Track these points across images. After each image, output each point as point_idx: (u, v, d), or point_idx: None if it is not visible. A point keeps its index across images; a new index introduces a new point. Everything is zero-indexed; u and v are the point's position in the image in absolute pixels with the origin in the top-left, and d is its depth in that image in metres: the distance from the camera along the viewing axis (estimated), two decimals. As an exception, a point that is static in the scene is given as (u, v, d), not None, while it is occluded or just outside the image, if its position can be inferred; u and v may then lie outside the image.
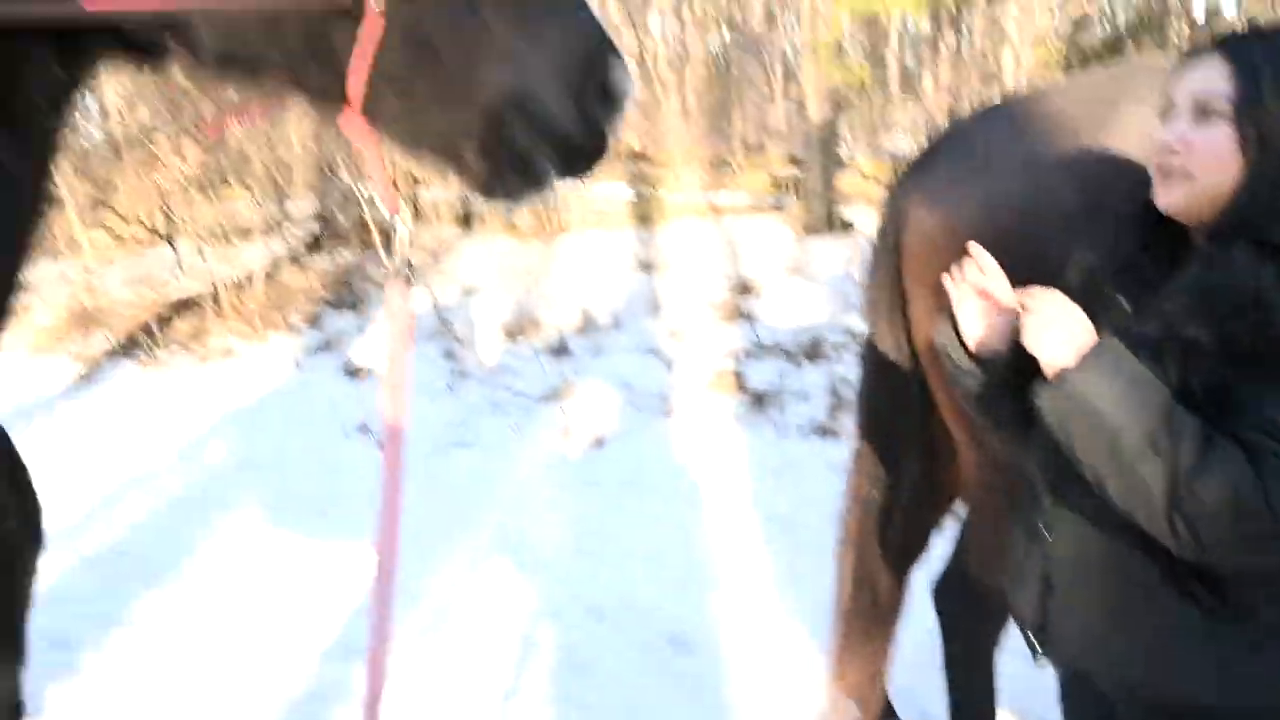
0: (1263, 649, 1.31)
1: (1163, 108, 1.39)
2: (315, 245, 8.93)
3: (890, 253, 2.49)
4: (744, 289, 7.28)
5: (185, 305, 7.95)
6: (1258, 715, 1.34)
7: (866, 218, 8.75)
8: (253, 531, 4.65)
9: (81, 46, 1.15)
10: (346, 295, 8.01)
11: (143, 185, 8.37)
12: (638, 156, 9.68)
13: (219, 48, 1.13)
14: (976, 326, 1.48)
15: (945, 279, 1.53)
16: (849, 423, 5.34)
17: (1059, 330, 1.29)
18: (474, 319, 7.27)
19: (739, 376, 6.14)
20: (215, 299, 7.69)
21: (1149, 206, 1.41)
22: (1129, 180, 1.93)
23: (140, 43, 1.16)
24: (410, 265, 1.29)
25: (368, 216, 7.93)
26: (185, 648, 3.64)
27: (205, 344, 7.40)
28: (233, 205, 9.59)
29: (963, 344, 1.51)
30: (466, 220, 9.09)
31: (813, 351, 6.27)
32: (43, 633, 1.86)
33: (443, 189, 9.02)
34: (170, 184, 8.23)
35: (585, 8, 1.17)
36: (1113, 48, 5.63)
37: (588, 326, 7.00)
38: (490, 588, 4.02)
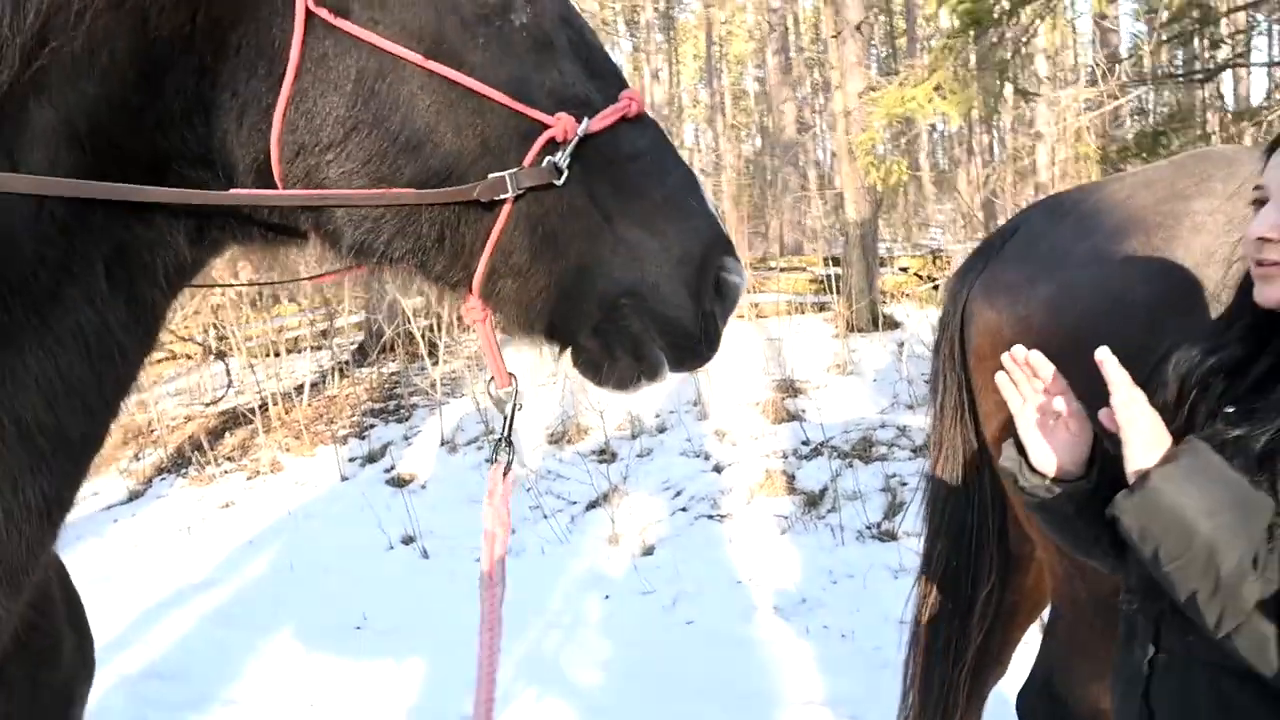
0: None
1: (1252, 198, 1.33)
2: (362, 357, 9.06)
3: (954, 352, 2.42)
4: (790, 389, 7.19)
5: (234, 419, 8.05)
6: None
7: (909, 313, 8.70)
8: (291, 648, 4.54)
9: (214, 236, 1.20)
10: (391, 406, 8.06)
11: (197, 304, 8.62)
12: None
13: (357, 241, 1.16)
14: (1041, 443, 1.36)
15: (1005, 391, 1.40)
16: (906, 524, 5.16)
17: (1139, 432, 1.19)
18: (519, 425, 7.24)
19: (790, 478, 6.00)
20: (264, 411, 7.78)
21: (1246, 304, 1.32)
22: (1214, 276, 1.86)
23: (277, 232, 1.21)
24: (513, 444, 1.27)
25: (412, 327, 8.05)
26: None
27: (253, 457, 7.44)
28: (283, 319, 9.83)
29: (1029, 463, 1.38)
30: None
31: (864, 450, 6.12)
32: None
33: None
34: (223, 301, 8.47)
35: (707, 206, 1.21)
36: (1148, 141, 5.63)
37: (634, 430, 6.93)
38: (537, 704, 3.85)
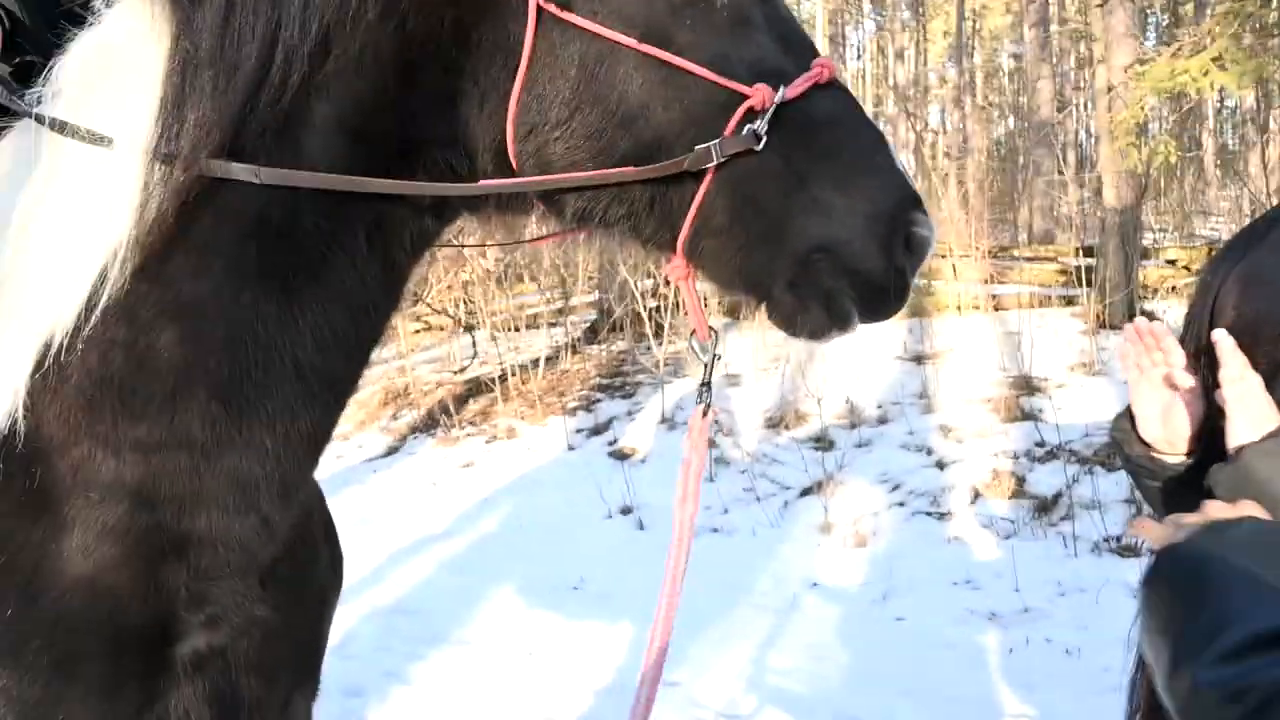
0: None
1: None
2: (593, 335, 9.51)
3: (1199, 353, 2.20)
4: (1028, 386, 6.74)
5: (478, 387, 8.74)
6: None
7: (1173, 310, 7.84)
8: (516, 600, 4.90)
9: (453, 208, 1.38)
10: (618, 382, 8.41)
11: (450, 280, 9.41)
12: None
13: (578, 209, 1.29)
14: (1153, 415, 1.40)
15: (1124, 361, 1.45)
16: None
17: (1245, 409, 1.24)
18: (736, 408, 7.32)
19: (1020, 480, 5.65)
20: (503, 381, 8.39)
21: None
22: None
23: (508, 203, 1.37)
24: (712, 394, 1.37)
25: (640, 308, 8.34)
26: (456, 705, 3.86)
27: (492, 423, 8.05)
28: (524, 297, 10.51)
29: (1137, 433, 1.42)
30: (734, 310, 9.27)
31: (1108, 457, 5.63)
32: (334, 681, 2.05)
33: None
34: (473, 279, 9.19)
35: (896, 165, 1.27)
36: None
37: (852, 420, 6.80)
38: (736, 683, 3.92)
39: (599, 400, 8.08)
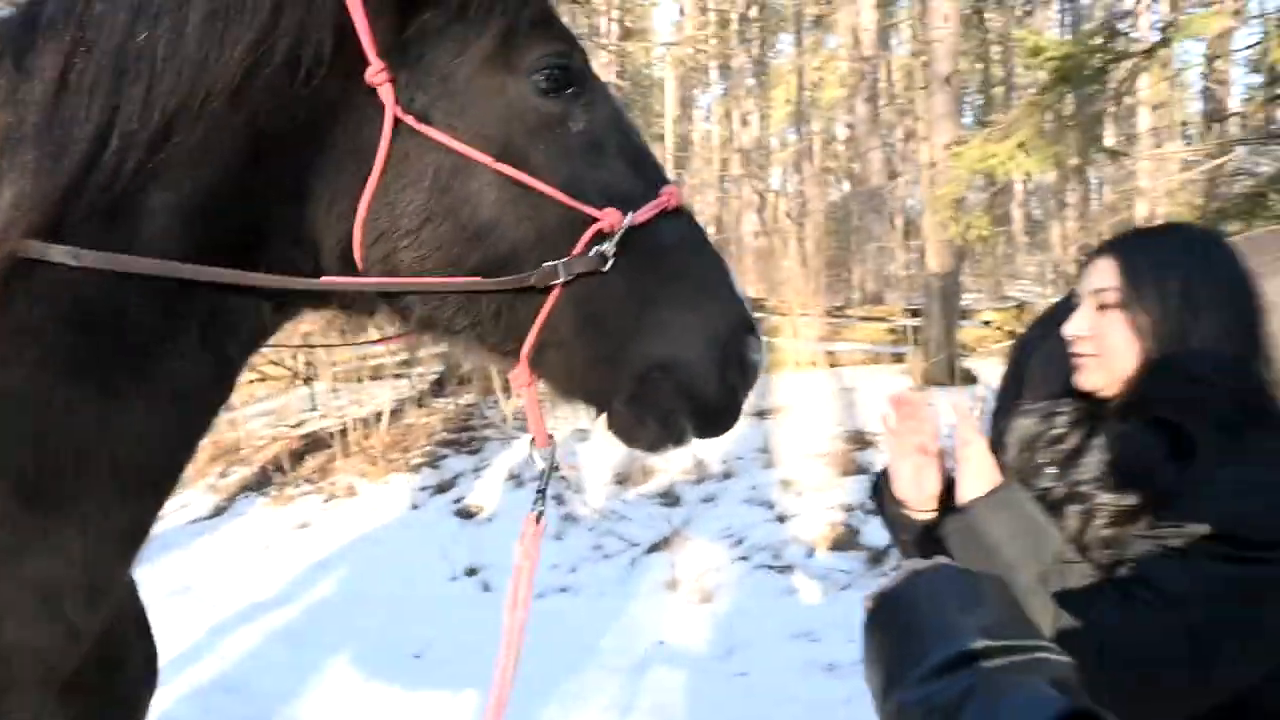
0: None
1: (1072, 303, 1.56)
2: (439, 388, 9.30)
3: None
4: (860, 441, 7.09)
5: (315, 442, 8.34)
6: None
7: (988, 368, 8.48)
8: (352, 672, 4.65)
9: (294, 305, 1.35)
10: (465, 438, 8.24)
11: (289, 327, 8.99)
12: (755, 305, 9.79)
13: (424, 315, 1.29)
14: (906, 475, 1.58)
15: (885, 427, 1.64)
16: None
17: (971, 468, 1.44)
18: (584, 464, 7.31)
19: (855, 532, 5.90)
20: (344, 436, 8.05)
21: (1070, 387, 1.57)
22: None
23: (352, 303, 1.34)
24: (545, 496, 1.37)
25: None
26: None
27: (330, 481, 7.69)
28: (368, 346, 10.17)
29: (891, 492, 1.61)
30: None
31: (934, 509, 5.97)
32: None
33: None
34: (313, 327, 8.82)
35: (734, 290, 1.33)
36: (1247, 203, 5.43)
37: (699, 475, 6.93)
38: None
39: (444, 456, 7.88)
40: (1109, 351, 1.48)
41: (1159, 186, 7.28)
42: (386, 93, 1.19)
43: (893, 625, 1.02)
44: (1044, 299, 11.80)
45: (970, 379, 8.12)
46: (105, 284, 1.14)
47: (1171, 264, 1.47)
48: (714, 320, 1.30)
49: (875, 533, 5.89)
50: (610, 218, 1.25)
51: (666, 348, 1.27)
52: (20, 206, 1.09)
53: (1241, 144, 5.57)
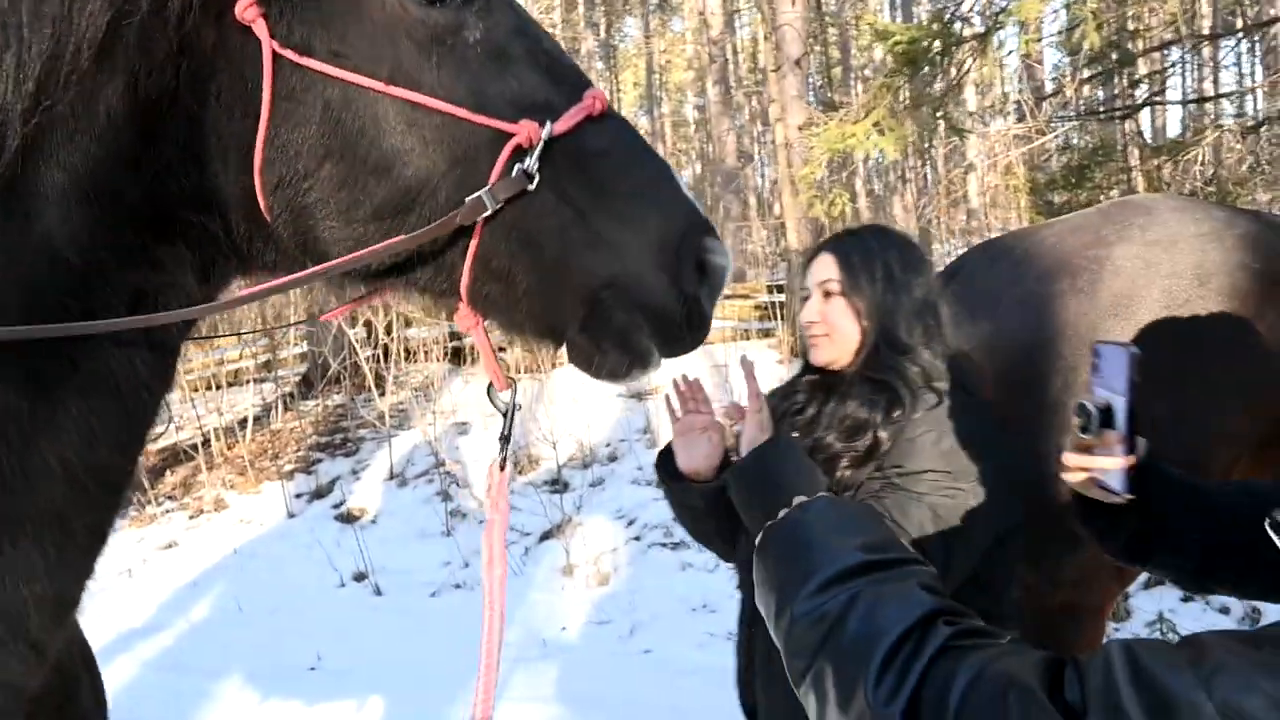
0: None
1: (801, 295, 1.82)
2: (307, 389, 8.94)
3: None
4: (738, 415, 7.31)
5: (175, 456, 7.88)
6: None
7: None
8: (244, 692, 4.46)
9: (219, 274, 1.28)
10: (338, 440, 7.97)
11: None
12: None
13: (353, 272, 1.23)
14: (686, 449, 1.80)
15: (666, 406, 1.86)
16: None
17: (757, 424, 1.61)
18: (468, 457, 7.23)
19: (740, 505, 6.10)
20: (206, 447, 7.63)
21: (807, 364, 1.83)
22: (1140, 316, 2.02)
23: (276, 266, 1.28)
24: (510, 447, 1.33)
25: (360, 359, 7.99)
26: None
27: (196, 495, 7.29)
28: (223, 351, 9.65)
29: (675, 465, 1.83)
30: (456, 356, 9.17)
31: (812, 476, 6.25)
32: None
33: (430, 328, 9.14)
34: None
35: (682, 193, 1.23)
36: (1074, 174, 5.93)
37: (585, 460, 6.97)
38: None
39: (319, 460, 7.60)
40: (837, 331, 1.73)
41: (989, 161, 7.84)
42: (261, 29, 1.12)
43: (781, 552, 1.09)
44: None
45: (834, 349, 8.49)
46: (17, 274, 1.10)
47: (877, 256, 1.75)
48: (661, 225, 1.18)
49: (759, 503, 6.12)
50: (527, 130, 1.14)
51: (613, 264, 1.17)
52: None
53: (1066, 120, 6.10)
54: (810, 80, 22.99)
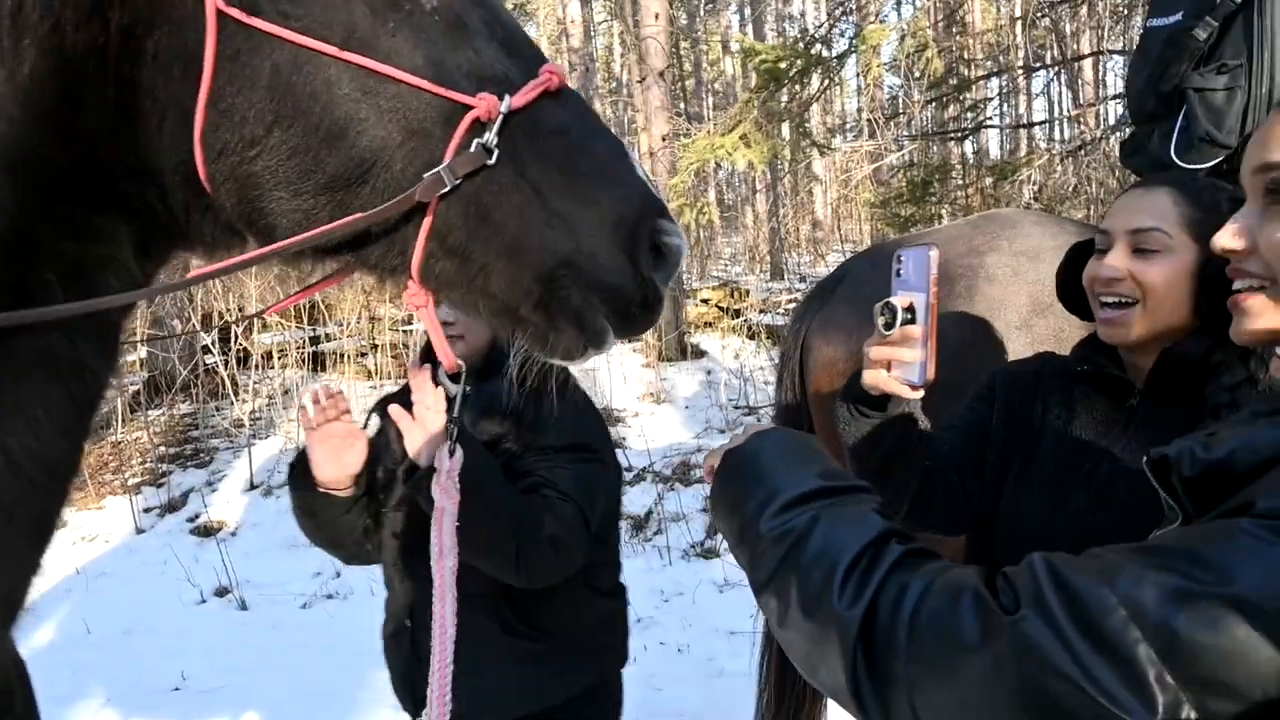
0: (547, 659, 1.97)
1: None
2: (153, 396, 8.40)
3: (794, 384, 2.74)
4: (610, 417, 7.44)
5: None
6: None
7: (711, 342, 9.23)
8: (98, 714, 4.20)
9: (159, 248, 1.22)
10: (190, 450, 7.55)
11: None
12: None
13: (300, 251, 1.17)
14: (324, 456, 1.89)
15: (304, 418, 1.91)
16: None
17: (422, 431, 1.71)
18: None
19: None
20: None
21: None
22: (1008, 319, 2.26)
23: (218, 240, 1.21)
24: (457, 425, 1.33)
25: (214, 362, 7.60)
26: None
27: (26, 512, 6.71)
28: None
29: (314, 479, 1.93)
30: (315, 361, 8.86)
31: (684, 474, 6.46)
32: None
33: (289, 332, 8.80)
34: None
35: (636, 173, 1.21)
36: (918, 189, 6.43)
37: (457, 465, 6.91)
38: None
39: (169, 472, 7.17)
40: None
41: (842, 176, 8.34)
42: None
43: (744, 475, 1.13)
44: (741, 277, 12.96)
45: (699, 353, 8.79)
46: None
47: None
48: (618, 205, 1.16)
49: (634, 500, 6.26)
50: (486, 103, 1.11)
51: (569, 242, 1.14)
52: None
53: (913, 140, 6.60)
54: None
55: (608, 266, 1.15)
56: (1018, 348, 2.26)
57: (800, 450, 1.15)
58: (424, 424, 1.70)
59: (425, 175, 1.10)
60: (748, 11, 22.39)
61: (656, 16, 8.89)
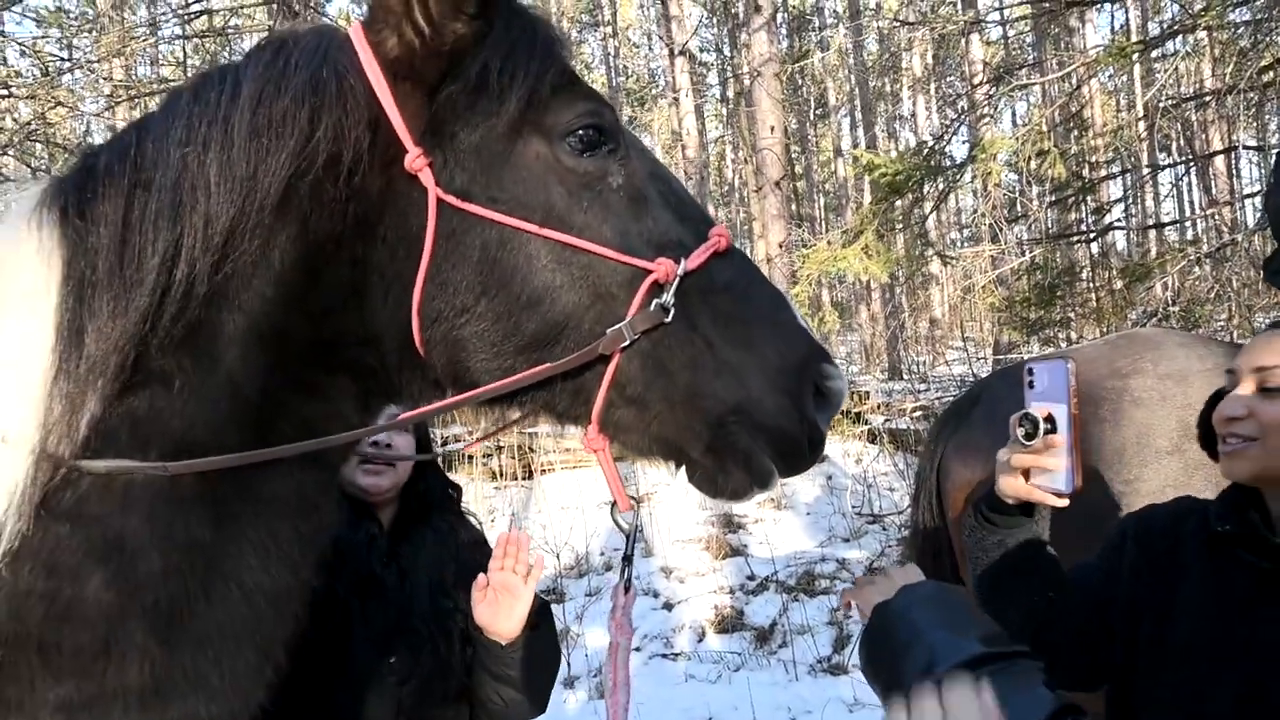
0: None
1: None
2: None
3: (931, 504, 2.73)
4: (730, 524, 7.42)
5: None
6: None
7: (833, 447, 9.12)
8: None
9: (375, 403, 1.38)
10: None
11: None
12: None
13: (495, 398, 1.32)
14: (510, 610, 1.83)
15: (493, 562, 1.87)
16: (855, 658, 5.35)
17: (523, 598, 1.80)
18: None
19: (740, 613, 6.15)
20: None
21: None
22: (1158, 444, 2.22)
23: (425, 395, 1.37)
24: (633, 569, 1.42)
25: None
26: None
27: None
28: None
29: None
30: (445, 464, 9.19)
31: (808, 584, 6.34)
32: None
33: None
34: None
35: (798, 322, 1.32)
36: (1046, 294, 6.33)
37: (580, 569, 7.00)
38: None
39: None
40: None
41: (966, 282, 8.25)
42: (427, 177, 1.21)
43: (895, 633, 1.14)
44: (859, 378, 12.81)
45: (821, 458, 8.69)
46: (204, 419, 1.19)
47: None
48: (783, 354, 1.26)
49: (758, 611, 6.18)
50: (664, 267, 1.23)
51: (739, 390, 1.24)
52: (104, 350, 1.14)
53: (1036, 243, 6.54)
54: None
55: (774, 411, 1.25)
56: (1170, 473, 2.21)
57: (956, 609, 1.16)
58: (507, 586, 1.79)
59: (608, 331, 1.23)
60: (858, 115, 22.78)
61: (772, 129, 9.20)
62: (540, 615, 1.92)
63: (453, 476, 2.24)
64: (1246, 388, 1.43)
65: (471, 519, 2.20)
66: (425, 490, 2.08)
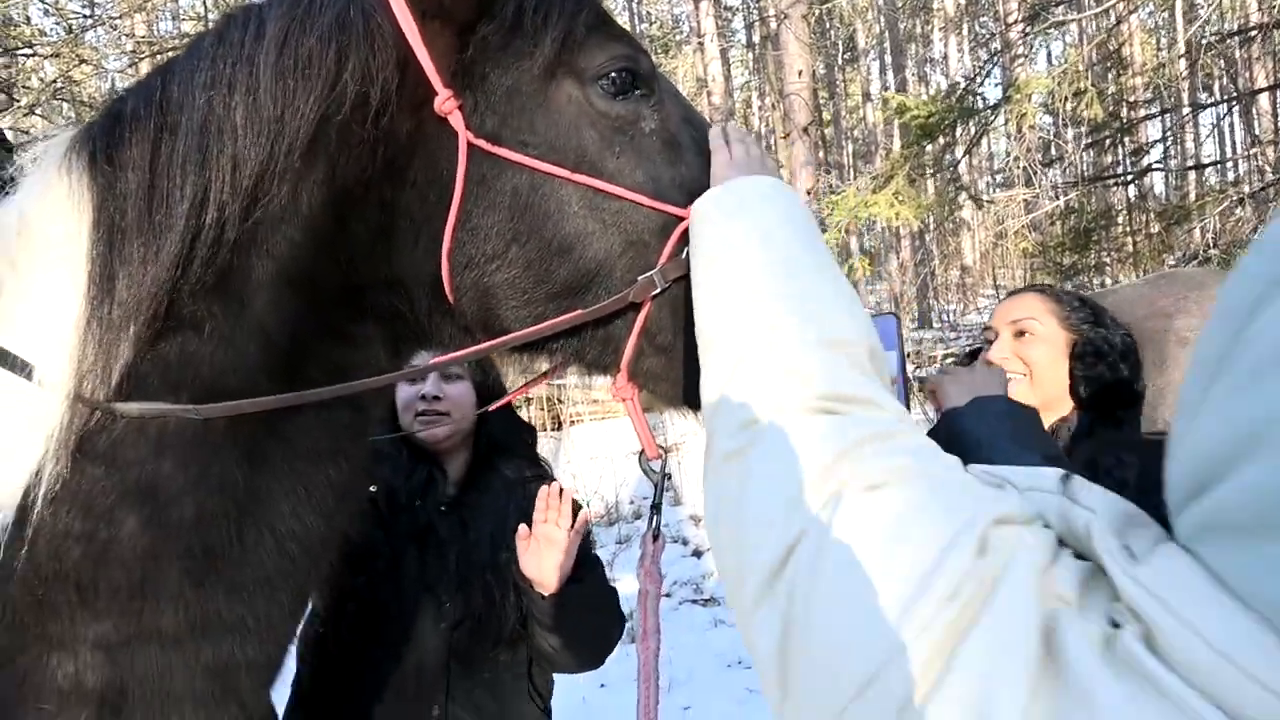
0: None
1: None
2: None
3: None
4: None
5: None
6: None
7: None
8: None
9: (406, 349, 1.38)
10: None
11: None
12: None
13: (524, 346, 1.31)
14: (542, 563, 1.88)
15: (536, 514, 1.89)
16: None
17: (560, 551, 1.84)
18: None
19: (768, 561, 6.20)
20: None
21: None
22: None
23: (455, 341, 1.36)
24: (661, 510, 1.42)
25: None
26: None
27: None
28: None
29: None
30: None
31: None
32: None
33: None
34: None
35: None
36: (1082, 238, 6.19)
37: (611, 518, 7.07)
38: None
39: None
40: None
41: (999, 226, 8.10)
42: (457, 119, 1.19)
43: (960, 446, 1.18)
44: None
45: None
46: (236, 365, 1.19)
47: None
48: None
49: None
50: None
51: None
52: (136, 296, 1.14)
53: (1073, 186, 6.38)
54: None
55: None
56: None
57: (1024, 424, 1.22)
58: (550, 538, 1.82)
59: (639, 278, 1.21)
60: (888, 59, 22.27)
61: (800, 74, 9.01)
62: (589, 567, 1.93)
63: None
64: (1005, 337, 1.80)
65: (544, 464, 2.20)
66: (488, 436, 2.09)
